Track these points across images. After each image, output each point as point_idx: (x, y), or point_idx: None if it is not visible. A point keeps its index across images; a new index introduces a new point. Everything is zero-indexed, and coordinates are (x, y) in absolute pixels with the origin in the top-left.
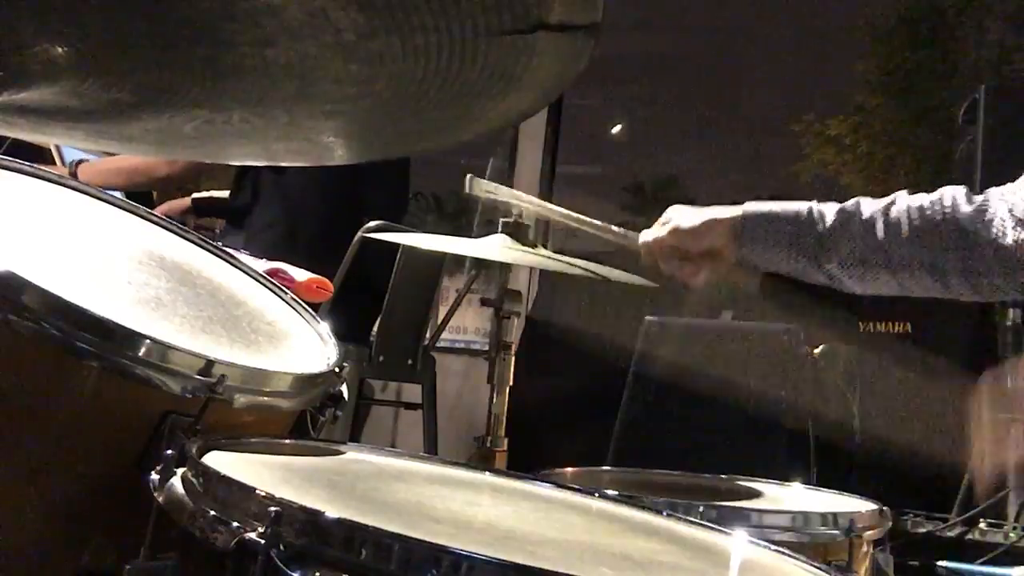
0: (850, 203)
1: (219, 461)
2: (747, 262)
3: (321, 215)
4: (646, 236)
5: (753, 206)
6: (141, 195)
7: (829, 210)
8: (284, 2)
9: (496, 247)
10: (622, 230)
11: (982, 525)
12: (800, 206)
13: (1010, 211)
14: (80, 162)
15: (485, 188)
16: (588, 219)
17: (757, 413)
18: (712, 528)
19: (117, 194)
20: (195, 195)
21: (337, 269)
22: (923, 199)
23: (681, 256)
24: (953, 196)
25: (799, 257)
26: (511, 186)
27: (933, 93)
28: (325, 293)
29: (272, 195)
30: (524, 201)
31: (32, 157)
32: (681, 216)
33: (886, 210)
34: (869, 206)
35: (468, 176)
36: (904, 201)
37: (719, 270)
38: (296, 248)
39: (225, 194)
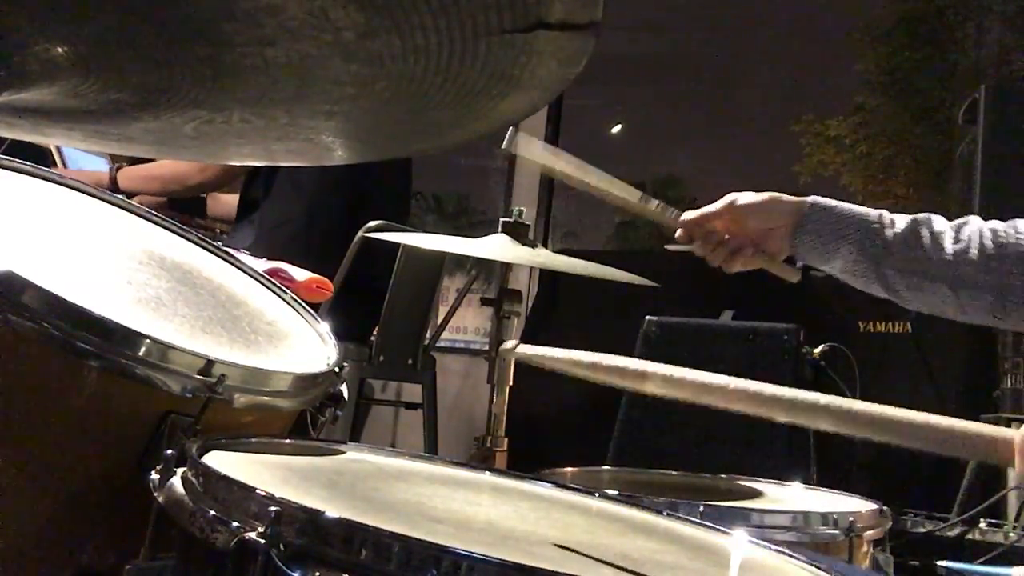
0: (922, 215)
1: (219, 461)
2: (801, 251)
3: (336, 213)
4: (690, 214)
5: (820, 199)
6: None
7: (900, 219)
8: (284, 2)
9: (496, 247)
10: (661, 204)
11: (982, 525)
12: (869, 210)
13: None
14: (120, 167)
15: (526, 146)
16: (630, 188)
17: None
18: (712, 528)
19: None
20: None
21: (337, 269)
22: (996, 224)
23: (721, 239)
24: None
25: (860, 256)
26: (511, 186)
27: (933, 93)
28: (325, 293)
29: (287, 191)
30: (563, 164)
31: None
32: (739, 194)
33: (957, 228)
34: (941, 222)
35: (510, 129)
36: (976, 223)
37: (758, 258)
38: (311, 245)
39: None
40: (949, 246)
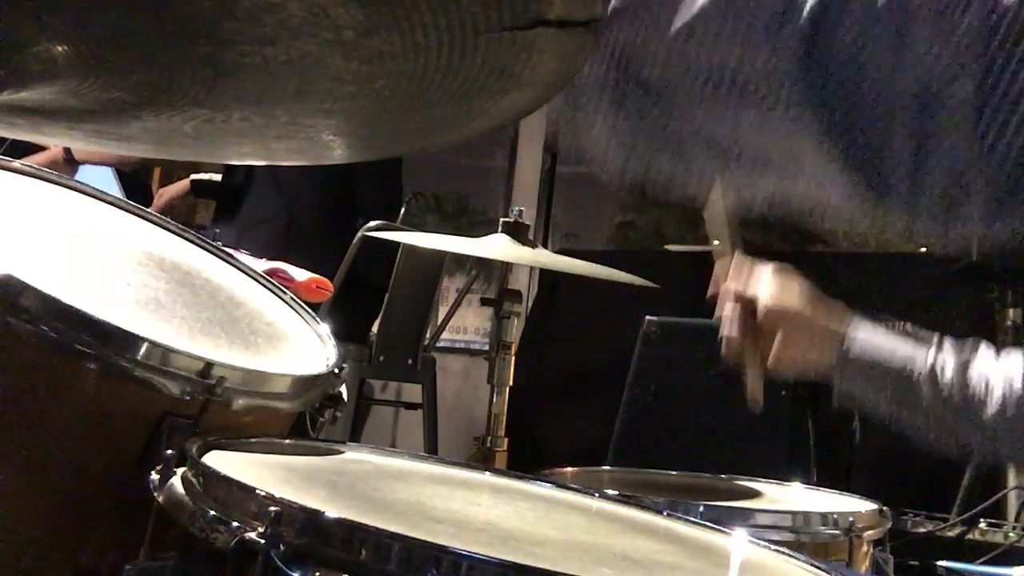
0: (973, 364)
1: (219, 461)
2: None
3: (317, 212)
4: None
5: (859, 337)
6: (138, 192)
7: (946, 368)
8: (284, 0)
9: (496, 247)
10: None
11: (982, 525)
12: (911, 356)
13: None
14: None
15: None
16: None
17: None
18: (712, 528)
19: (114, 188)
20: (194, 176)
21: (334, 268)
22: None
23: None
24: None
25: (896, 413)
26: (511, 185)
27: None
28: (325, 293)
29: (267, 188)
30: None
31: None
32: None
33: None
34: (985, 372)
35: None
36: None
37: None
38: (291, 245)
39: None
40: (990, 410)
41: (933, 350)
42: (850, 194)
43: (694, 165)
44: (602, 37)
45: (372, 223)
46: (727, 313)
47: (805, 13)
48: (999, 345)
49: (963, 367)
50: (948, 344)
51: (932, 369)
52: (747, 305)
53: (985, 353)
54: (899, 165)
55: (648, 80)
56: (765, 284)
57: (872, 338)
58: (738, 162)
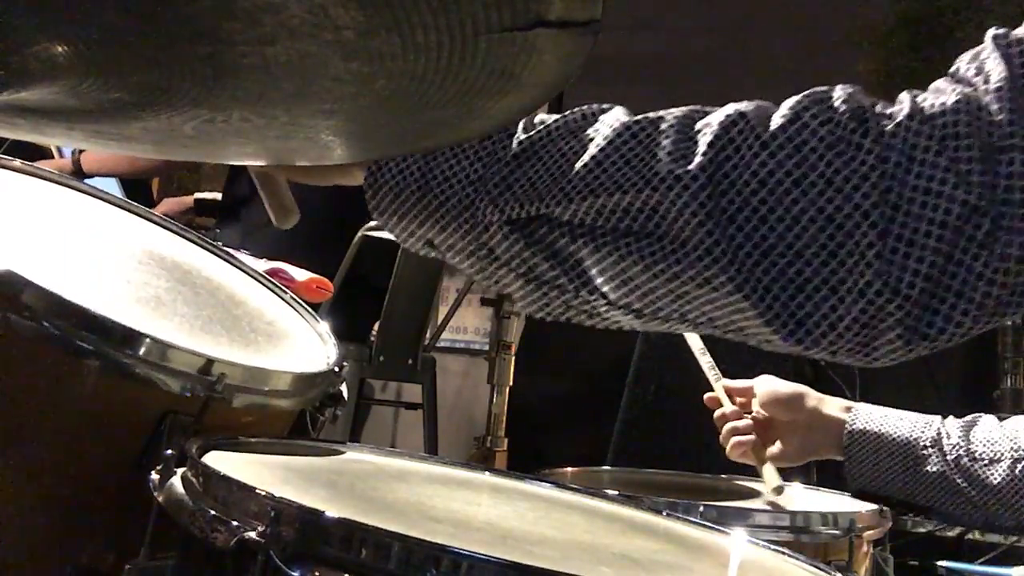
0: (976, 431)
1: (219, 461)
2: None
3: (322, 212)
4: (730, 382)
5: (860, 424)
6: (140, 195)
7: (952, 434)
8: (284, 0)
9: None
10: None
11: None
12: (917, 430)
13: None
14: (82, 151)
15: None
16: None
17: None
18: (712, 528)
19: (117, 192)
20: (197, 195)
21: (334, 268)
22: None
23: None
24: None
25: (907, 489)
26: None
27: None
28: (325, 293)
29: None
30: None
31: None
32: (768, 380)
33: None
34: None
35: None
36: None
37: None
38: (296, 245)
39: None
40: (999, 471)
41: (937, 420)
42: (768, 338)
43: (606, 321)
44: (511, 179)
45: (372, 223)
46: (727, 411)
47: (701, 150)
48: (999, 346)
49: (967, 428)
50: (951, 417)
51: (938, 434)
52: (742, 398)
53: (988, 419)
54: (813, 311)
55: (560, 219)
56: (758, 380)
57: (875, 417)
58: (652, 319)
